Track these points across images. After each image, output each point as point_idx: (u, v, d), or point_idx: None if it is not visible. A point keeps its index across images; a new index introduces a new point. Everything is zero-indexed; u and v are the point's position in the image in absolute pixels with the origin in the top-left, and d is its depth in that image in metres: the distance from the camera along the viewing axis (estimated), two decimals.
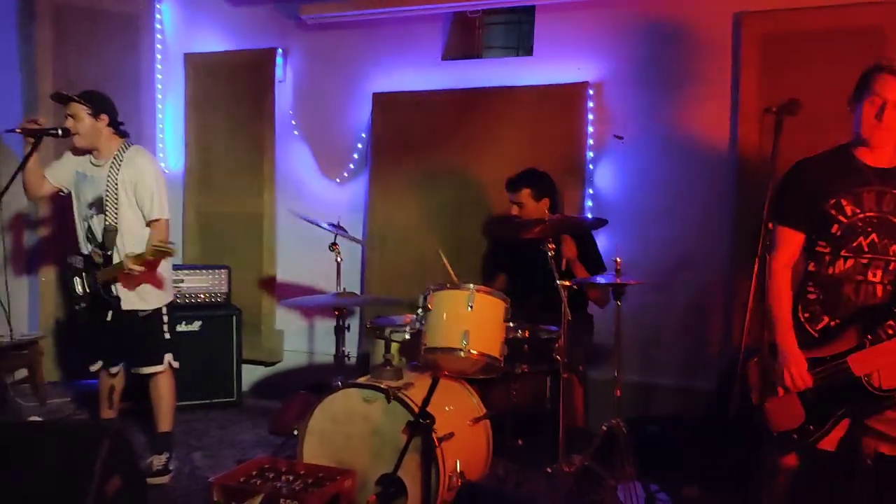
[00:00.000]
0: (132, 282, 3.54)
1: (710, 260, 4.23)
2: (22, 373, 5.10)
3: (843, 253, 2.66)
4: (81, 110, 3.53)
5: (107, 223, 3.54)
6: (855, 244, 2.64)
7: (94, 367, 3.77)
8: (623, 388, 3.41)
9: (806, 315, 2.73)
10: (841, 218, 2.65)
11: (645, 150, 4.38)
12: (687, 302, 4.31)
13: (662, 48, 4.32)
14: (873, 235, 2.63)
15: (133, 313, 3.60)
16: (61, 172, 3.71)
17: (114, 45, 5.23)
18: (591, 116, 4.43)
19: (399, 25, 4.85)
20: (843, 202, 2.64)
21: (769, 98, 3.28)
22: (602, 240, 4.30)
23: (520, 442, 3.44)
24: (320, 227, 3.83)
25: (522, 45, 4.87)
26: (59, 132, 3.53)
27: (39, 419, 4.28)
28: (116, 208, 3.54)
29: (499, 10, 4.83)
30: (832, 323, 2.69)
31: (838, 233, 2.65)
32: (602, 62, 4.44)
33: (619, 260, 3.29)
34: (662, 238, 4.32)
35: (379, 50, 4.92)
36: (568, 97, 4.44)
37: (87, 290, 3.62)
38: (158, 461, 3.63)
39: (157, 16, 5.37)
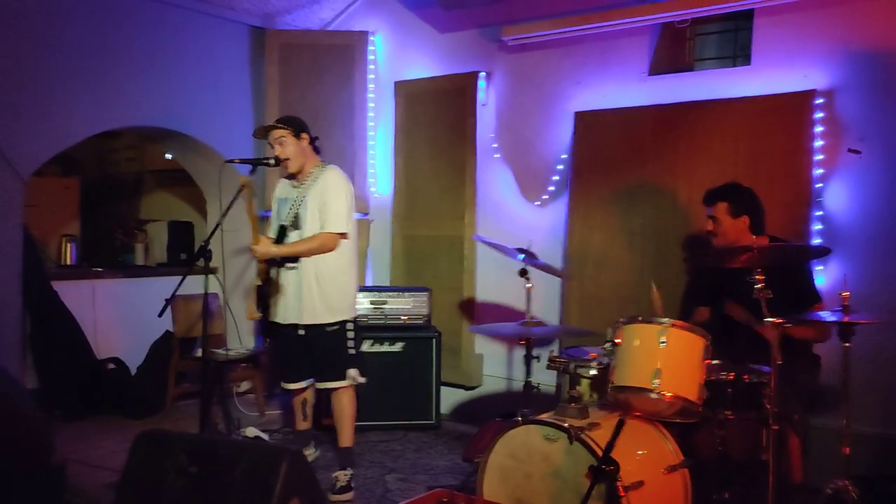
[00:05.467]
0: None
1: None
2: (247, 384, 5.55)
3: None
4: (285, 133, 3.71)
5: (284, 224, 3.74)
6: None
7: (286, 386, 3.97)
8: (855, 440, 2.93)
9: None
10: None
11: (889, 167, 3.79)
12: None
13: None
14: None
15: (319, 328, 3.74)
16: (273, 219, 3.96)
17: (332, 76, 5.55)
18: (819, 129, 3.92)
19: (602, 41, 4.64)
20: None
21: None
22: (830, 270, 3.79)
23: (727, 495, 3.07)
24: (505, 250, 3.72)
25: (739, 55, 4.44)
26: (272, 161, 3.76)
27: (257, 431, 4.56)
28: (297, 217, 3.73)
29: (711, 18, 4.45)
30: None
31: None
32: (833, 67, 3.92)
33: (846, 294, 2.83)
34: None
35: (581, 67, 4.75)
36: (792, 108, 3.97)
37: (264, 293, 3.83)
38: (343, 476, 3.71)
39: (371, 47, 5.62)
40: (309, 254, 3.70)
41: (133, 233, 6.75)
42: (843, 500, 2.83)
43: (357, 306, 3.96)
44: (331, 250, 3.72)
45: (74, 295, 5.20)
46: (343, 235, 3.72)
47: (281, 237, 3.79)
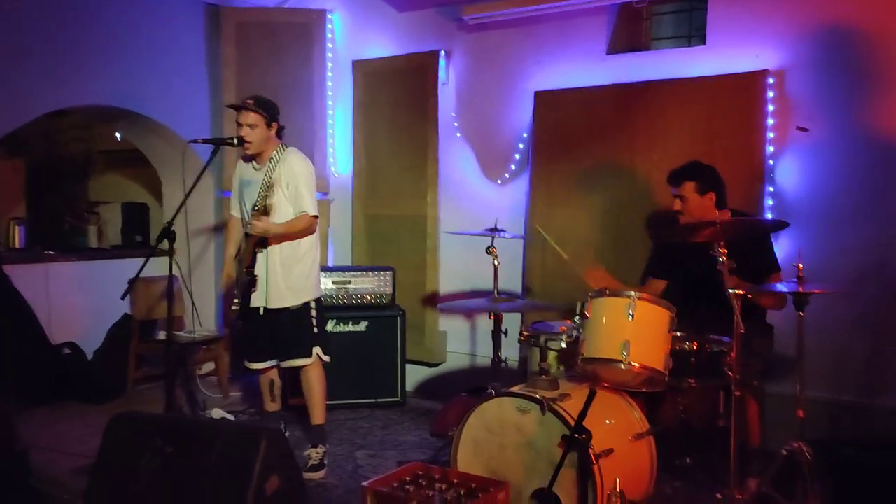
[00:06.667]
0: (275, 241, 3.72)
1: None
2: (209, 366, 5.51)
3: None
4: (259, 120, 3.68)
5: (256, 208, 3.70)
6: None
7: (250, 366, 3.97)
8: (808, 405, 3.08)
9: None
10: None
11: (835, 144, 3.95)
12: (884, 312, 3.84)
13: (856, 30, 3.87)
14: None
15: (284, 309, 3.76)
16: (235, 199, 3.94)
17: (289, 56, 5.49)
18: (771, 107, 4.05)
19: (561, 21, 4.70)
20: None
21: None
22: (783, 243, 3.94)
23: (688, 460, 3.22)
24: (478, 235, 3.76)
25: (694, 34, 4.56)
26: (235, 141, 3.72)
27: (223, 412, 4.56)
28: (271, 198, 3.69)
29: None
30: None
31: None
32: (784, 48, 4.05)
33: (801, 266, 2.96)
34: (853, 242, 3.88)
35: (541, 47, 4.80)
36: (745, 87, 4.09)
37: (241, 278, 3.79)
38: (316, 455, 3.75)
39: (329, 25, 5.57)
40: (296, 235, 3.73)
41: (82, 215, 6.60)
42: (798, 462, 2.97)
43: (321, 286, 3.98)
44: (311, 233, 3.77)
45: (26, 279, 5.07)
46: (316, 218, 3.77)
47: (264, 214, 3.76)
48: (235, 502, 2.48)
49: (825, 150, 3.97)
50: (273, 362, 3.96)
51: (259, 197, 3.71)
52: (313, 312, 3.84)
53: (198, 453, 2.61)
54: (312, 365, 3.81)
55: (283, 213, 3.71)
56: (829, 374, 3.90)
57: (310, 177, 3.75)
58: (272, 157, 3.74)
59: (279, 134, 3.80)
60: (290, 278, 3.74)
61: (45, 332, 5.05)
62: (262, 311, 3.77)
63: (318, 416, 3.85)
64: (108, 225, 6.26)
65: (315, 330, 3.84)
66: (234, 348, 5.26)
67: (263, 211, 3.66)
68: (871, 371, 3.87)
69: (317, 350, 3.82)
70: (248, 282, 3.72)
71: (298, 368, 3.84)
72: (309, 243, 3.80)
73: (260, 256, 3.73)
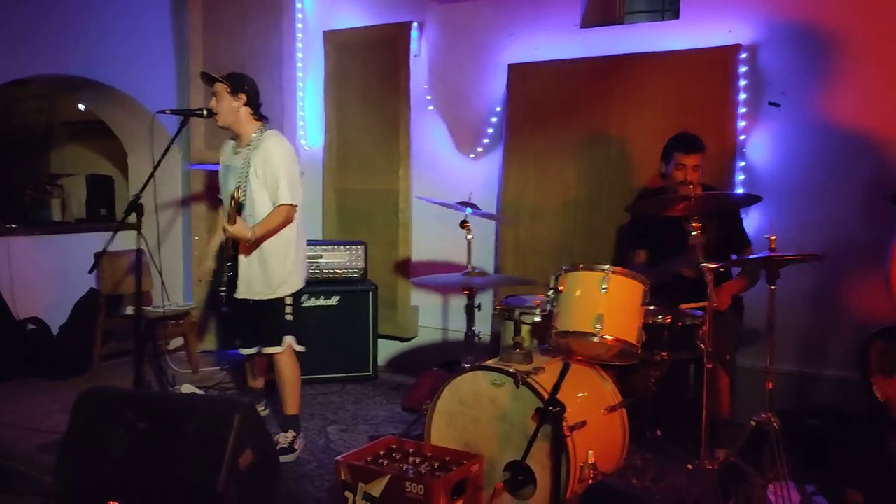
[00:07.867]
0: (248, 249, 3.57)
1: (875, 243, 3.81)
2: (178, 341, 5.44)
3: None
4: (222, 88, 3.57)
5: (242, 202, 3.53)
6: None
7: (242, 350, 3.94)
8: (775, 378, 3.12)
9: None
10: None
11: (805, 120, 3.98)
12: (850, 287, 3.91)
13: (828, 8, 3.89)
14: None
15: (259, 300, 3.65)
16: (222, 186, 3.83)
17: (258, 25, 5.37)
18: (743, 82, 4.07)
19: None
20: None
21: None
22: (752, 217, 3.98)
23: (659, 432, 3.26)
24: (450, 206, 3.73)
25: (667, 9, 4.55)
26: (204, 112, 3.63)
27: (193, 388, 4.50)
28: (246, 186, 3.55)
29: None
30: None
31: None
32: (757, 23, 4.06)
33: (773, 238, 2.98)
34: (822, 217, 3.94)
35: (514, 20, 4.75)
36: (717, 62, 4.10)
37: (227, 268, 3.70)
38: (284, 439, 3.64)
39: None
40: (276, 230, 3.55)
41: (44, 188, 6.44)
42: (766, 432, 3.03)
43: (301, 276, 3.82)
44: (290, 223, 3.59)
45: None
46: (294, 206, 3.58)
47: (238, 211, 3.56)
48: (209, 477, 2.45)
49: (796, 126, 4.01)
50: (259, 347, 3.90)
51: (240, 188, 3.54)
52: (288, 300, 3.69)
53: (171, 428, 2.57)
54: (284, 354, 3.67)
55: (260, 204, 3.55)
56: (793, 348, 3.97)
57: (286, 161, 3.54)
58: (251, 140, 3.59)
59: (257, 114, 3.64)
60: (266, 273, 3.61)
61: (9, 307, 4.94)
62: (251, 301, 3.67)
63: (290, 405, 3.71)
64: (71, 198, 6.12)
65: (289, 318, 3.69)
66: (210, 322, 5.21)
67: (237, 209, 3.43)
68: (832, 343, 3.95)
69: (289, 339, 3.68)
70: (229, 278, 3.64)
71: (272, 355, 3.73)
72: (289, 237, 3.64)
73: (241, 253, 3.61)
